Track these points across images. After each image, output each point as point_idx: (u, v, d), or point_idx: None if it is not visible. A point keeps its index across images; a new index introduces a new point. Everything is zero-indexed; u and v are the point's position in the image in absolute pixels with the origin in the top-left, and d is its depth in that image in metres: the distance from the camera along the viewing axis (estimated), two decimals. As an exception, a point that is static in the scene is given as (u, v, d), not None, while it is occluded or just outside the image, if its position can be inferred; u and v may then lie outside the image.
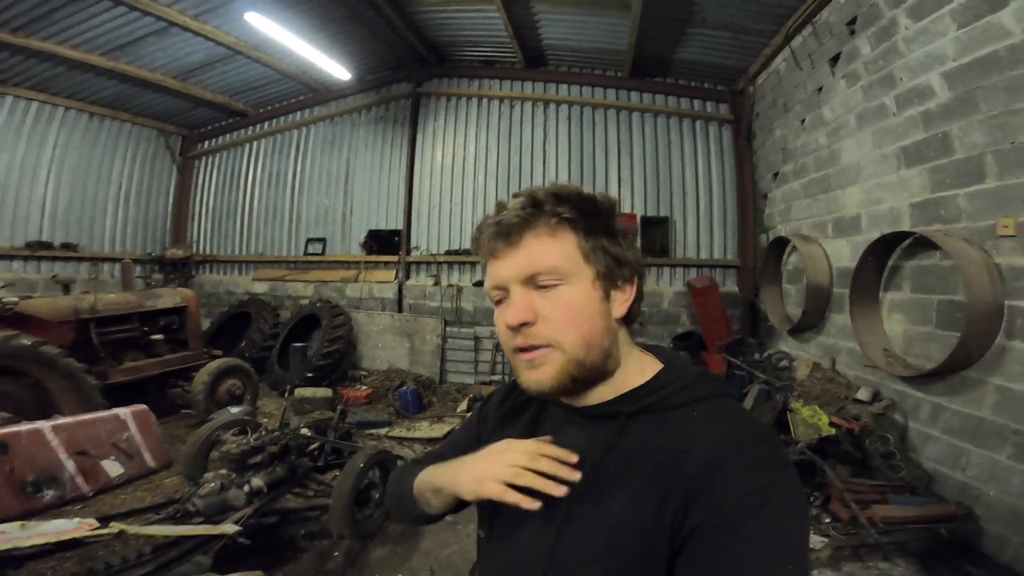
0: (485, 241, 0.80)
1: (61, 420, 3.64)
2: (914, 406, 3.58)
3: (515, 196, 0.81)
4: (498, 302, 0.82)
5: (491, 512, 0.89)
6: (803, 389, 4.17)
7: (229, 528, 2.64)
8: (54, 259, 7.39)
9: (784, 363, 4.90)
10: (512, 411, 0.99)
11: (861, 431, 3.48)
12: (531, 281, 0.77)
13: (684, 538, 0.65)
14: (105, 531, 2.33)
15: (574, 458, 0.76)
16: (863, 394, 3.87)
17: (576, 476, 0.75)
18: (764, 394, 4.24)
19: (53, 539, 2.19)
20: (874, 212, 4.10)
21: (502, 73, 7.64)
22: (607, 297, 0.79)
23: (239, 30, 6.34)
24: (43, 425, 3.53)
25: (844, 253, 4.41)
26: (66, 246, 7.50)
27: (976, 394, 3.10)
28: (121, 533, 2.37)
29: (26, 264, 7.19)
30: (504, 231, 0.77)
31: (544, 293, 0.77)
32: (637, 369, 0.82)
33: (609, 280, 0.80)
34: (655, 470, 0.70)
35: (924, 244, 3.46)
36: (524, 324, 0.76)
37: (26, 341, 3.68)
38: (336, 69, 6.87)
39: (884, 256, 3.84)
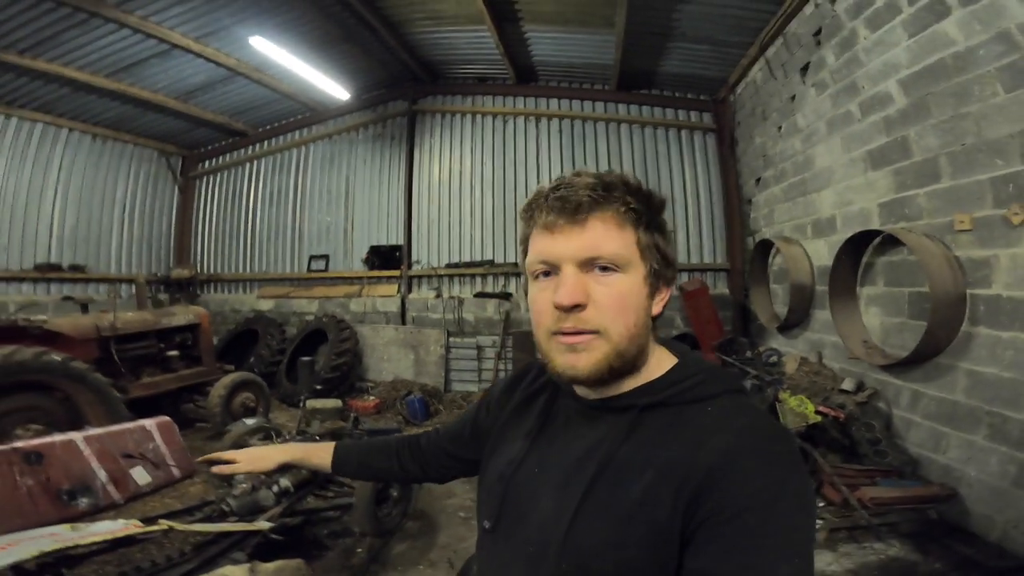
0: (542, 213, 0.77)
1: (92, 431, 3.83)
2: (895, 393, 3.80)
3: (577, 174, 0.79)
4: (539, 276, 0.80)
5: (498, 503, 0.88)
6: (792, 382, 4.42)
7: (264, 524, 2.84)
8: (63, 280, 7.54)
9: (774, 359, 5.16)
10: (524, 402, 0.98)
11: (847, 419, 3.71)
12: (589, 264, 0.75)
13: (694, 530, 0.66)
14: (155, 528, 2.51)
15: None
16: (848, 384, 4.12)
17: None
18: (756, 389, 4.49)
19: (109, 537, 2.35)
20: (847, 213, 4.36)
21: (495, 89, 7.94)
22: (652, 295, 0.80)
23: (240, 52, 6.58)
24: (75, 436, 3.70)
25: (823, 252, 4.67)
26: (75, 267, 7.67)
27: (949, 379, 3.31)
28: (170, 530, 2.55)
29: (36, 286, 7.35)
30: (571, 207, 0.74)
31: (599, 278, 0.76)
32: (656, 364, 0.83)
33: (656, 279, 0.80)
34: (670, 464, 0.70)
35: (892, 241, 3.70)
36: (576, 307, 0.74)
37: (57, 357, 3.88)
38: (335, 89, 7.12)
39: (857, 254, 4.09)
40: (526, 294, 0.85)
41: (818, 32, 4.60)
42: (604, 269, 0.75)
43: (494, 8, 5.82)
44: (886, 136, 3.84)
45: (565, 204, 0.75)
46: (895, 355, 3.65)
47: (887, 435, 3.72)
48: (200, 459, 1.35)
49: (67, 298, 7.12)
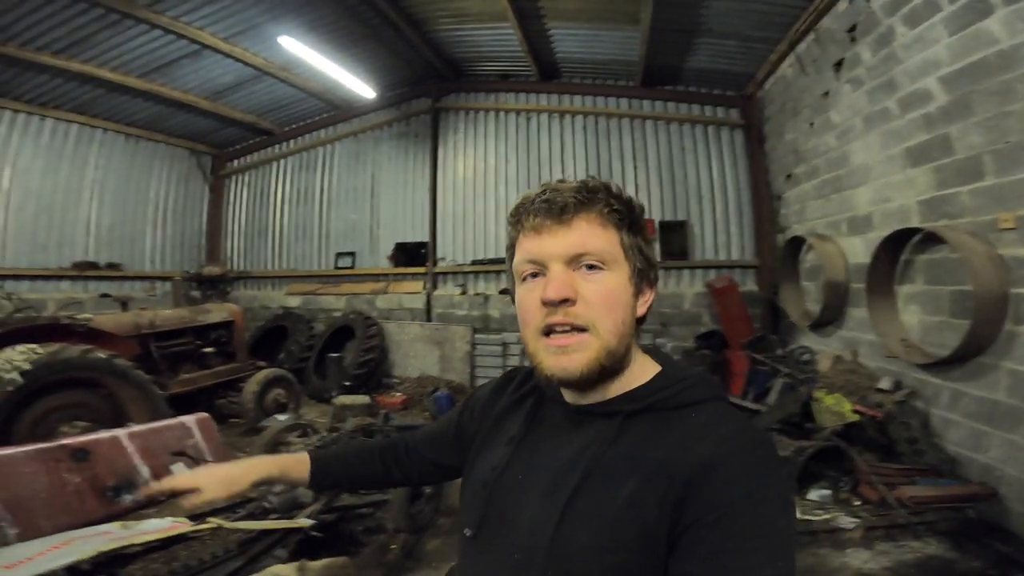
0: (530, 216, 0.80)
1: (135, 428, 3.94)
2: (934, 393, 3.76)
3: (562, 181, 0.82)
4: (527, 277, 0.81)
5: (481, 510, 0.88)
6: (827, 380, 4.37)
7: (306, 522, 2.92)
8: (100, 279, 7.78)
9: (806, 357, 5.09)
10: (509, 407, 0.99)
11: (885, 418, 3.67)
12: (576, 261, 0.77)
13: (680, 534, 0.67)
14: (205, 526, 2.59)
15: None
16: (885, 383, 4.06)
17: None
18: (787, 387, 4.45)
19: (161, 536, 2.44)
20: (884, 210, 4.29)
21: (518, 86, 7.95)
22: (636, 295, 0.82)
23: (268, 51, 6.69)
24: (120, 432, 3.81)
25: (858, 250, 4.61)
26: (111, 266, 7.90)
27: (991, 378, 3.28)
28: (218, 528, 2.63)
29: (74, 284, 7.58)
30: (557, 209, 0.77)
31: (587, 275, 0.78)
32: (640, 369, 0.84)
33: (640, 279, 0.82)
34: (655, 469, 0.71)
35: (933, 239, 3.66)
36: (565, 301, 0.76)
37: (102, 355, 4.01)
38: (360, 87, 7.20)
39: (896, 251, 4.03)
40: (513, 300, 0.87)
41: (852, 28, 4.54)
42: (591, 267, 0.77)
43: (518, 5, 5.82)
44: (927, 133, 3.79)
45: (551, 206, 0.77)
46: (935, 354, 3.61)
47: (925, 434, 3.69)
48: (152, 490, 1.18)
49: (105, 295, 7.38)
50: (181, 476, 1.12)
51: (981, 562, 2.90)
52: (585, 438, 0.81)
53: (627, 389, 0.81)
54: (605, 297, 0.77)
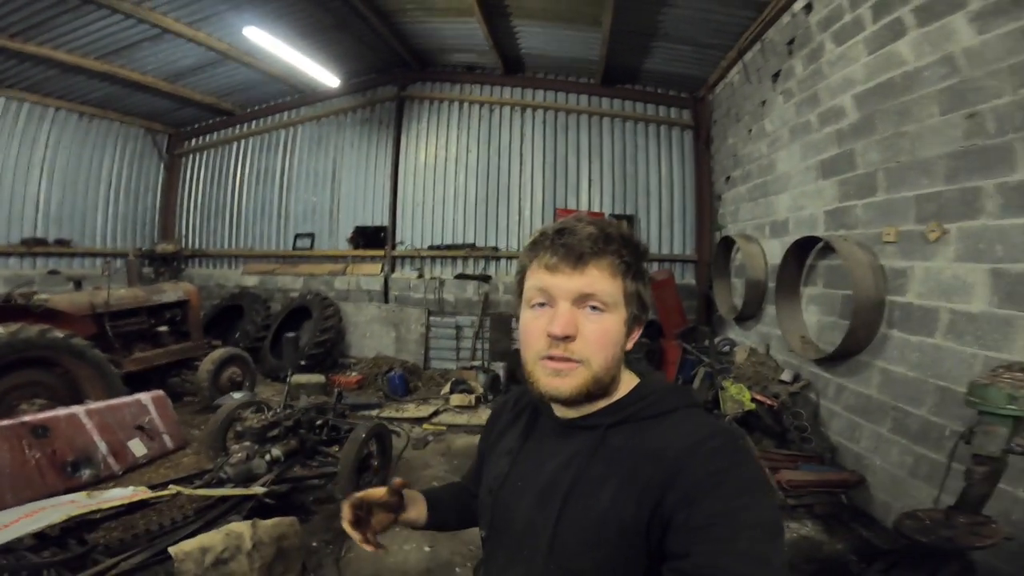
0: (546, 254, 0.87)
1: (93, 405, 4.08)
2: (824, 386, 4.17)
3: (579, 220, 0.89)
4: (535, 305, 0.89)
5: (489, 515, 1.00)
6: (739, 371, 4.83)
7: (260, 489, 3.18)
8: (48, 255, 7.68)
9: (727, 348, 5.58)
10: (509, 423, 1.10)
11: (780, 407, 4.10)
12: (582, 301, 0.85)
13: (664, 527, 0.76)
14: (166, 492, 2.81)
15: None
16: (786, 375, 4.52)
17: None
18: (709, 376, 4.90)
19: (126, 501, 2.63)
20: (798, 217, 4.69)
21: (482, 79, 8.13)
22: (628, 334, 0.91)
23: (232, 37, 6.64)
24: (78, 410, 3.95)
25: (777, 252, 4.96)
26: (60, 242, 7.78)
27: (866, 375, 3.67)
28: (178, 494, 2.86)
29: (22, 261, 7.47)
30: (574, 256, 0.84)
31: (589, 315, 0.86)
32: (622, 384, 0.93)
33: (633, 322, 0.91)
34: (633, 472, 0.81)
35: (831, 247, 3.96)
36: (567, 337, 0.84)
37: (59, 334, 4.11)
38: (325, 76, 7.22)
39: (803, 256, 4.44)
40: (516, 319, 1.13)
41: (791, 41, 4.73)
42: (594, 308, 0.85)
43: (484, 1, 5.96)
44: (837, 148, 4.07)
45: (569, 252, 0.85)
46: (824, 351, 4.01)
47: (814, 424, 4.09)
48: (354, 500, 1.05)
49: (53, 272, 7.31)
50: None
51: (844, 545, 3.21)
52: (571, 449, 0.91)
53: (607, 403, 0.91)
54: (601, 337, 0.85)
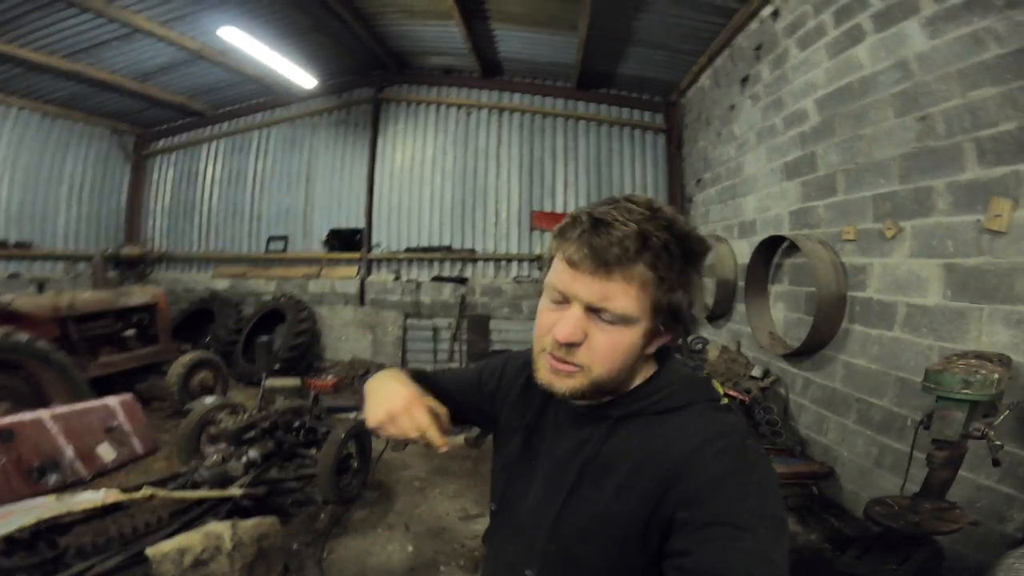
0: (574, 247, 0.79)
1: (59, 409, 3.96)
2: (792, 380, 4.31)
3: (625, 211, 0.78)
4: (553, 300, 0.85)
5: (502, 490, 1.02)
6: (712, 368, 4.97)
7: (237, 491, 3.14)
8: (9, 258, 7.40)
9: (699, 346, 5.73)
10: (529, 388, 1.03)
11: (751, 402, 4.23)
12: (595, 310, 0.80)
13: (666, 525, 0.75)
14: (139, 494, 2.75)
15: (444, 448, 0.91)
16: (756, 371, 4.65)
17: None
18: (682, 372, 5.00)
19: (97, 504, 2.57)
20: (765, 217, 4.84)
21: (460, 81, 8.15)
22: (648, 343, 0.85)
23: (205, 36, 6.50)
24: (43, 414, 3.82)
25: (745, 251, 5.11)
26: (21, 245, 7.51)
27: (830, 369, 3.78)
28: (152, 497, 2.80)
29: (-20, 263, 7.19)
30: (600, 257, 0.76)
31: (602, 326, 0.80)
32: (638, 375, 0.90)
33: (658, 331, 0.84)
34: (639, 466, 0.81)
35: (795, 245, 4.10)
36: (571, 344, 0.81)
37: (23, 336, 3.98)
38: (301, 76, 7.14)
39: (770, 255, 4.58)
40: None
41: (759, 47, 4.85)
42: (609, 321, 0.80)
43: (463, 5, 6.01)
44: (800, 150, 4.19)
45: (594, 253, 0.77)
46: (791, 346, 4.15)
47: (784, 418, 4.22)
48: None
49: (14, 275, 7.05)
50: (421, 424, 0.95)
51: (817, 535, 3.27)
52: (583, 435, 0.90)
53: (619, 394, 0.89)
54: (610, 349, 0.80)
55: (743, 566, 0.66)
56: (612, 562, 0.81)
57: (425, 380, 1.13)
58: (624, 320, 0.79)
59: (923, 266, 3.05)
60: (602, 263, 0.76)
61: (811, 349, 3.89)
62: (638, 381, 0.89)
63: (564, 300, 0.82)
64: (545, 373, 0.85)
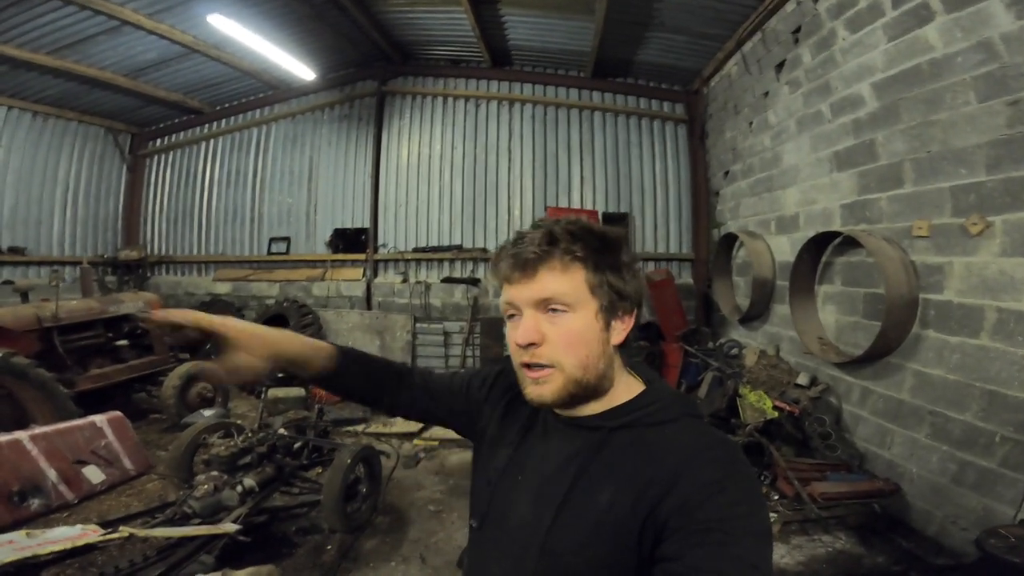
0: (502, 269, 0.89)
1: (39, 429, 3.64)
2: (846, 390, 3.97)
3: (535, 227, 0.90)
4: (510, 316, 0.91)
5: (485, 506, 1.00)
6: (751, 375, 4.57)
7: (230, 527, 2.78)
8: (1, 264, 7.09)
9: (735, 351, 5.32)
10: (514, 403, 1.05)
11: (801, 413, 3.87)
12: (542, 305, 0.86)
13: (658, 531, 0.76)
14: (116, 535, 2.41)
15: None
16: (802, 379, 4.28)
17: None
18: (717, 381, 4.62)
19: (69, 545, 2.26)
20: (810, 211, 4.48)
21: (468, 72, 7.77)
22: (607, 327, 0.89)
23: (197, 29, 6.18)
24: (21, 435, 3.52)
25: (785, 248, 4.79)
26: (14, 250, 7.20)
27: (897, 378, 3.47)
28: (131, 536, 2.46)
29: (-29, 270, 6.88)
30: (520, 264, 0.86)
31: (552, 318, 0.86)
32: (625, 389, 0.92)
33: (610, 312, 0.88)
34: (631, 477, 0.81)
35: (851, 242, 3.80)
36: (531, 344, 0.85)
37: (-3, 353, 3.65)
38: (300, 69, 6.80)
39: (818, 252, 4.21)
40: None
41: (797, 30, 4.57)
42: (554, 311, 0.86)
43: (472, -11, 5.66)
44: (854, 138, 3.91)
45: (517, 260, 0.87)
46: (848, 353, 3.81)
47: (837, 429, 3.89)
48: (156, 319, 0.94)
49: (7, 283, 6.72)
50: (197, 314, 0.96)
51: (885, 557, 3.05)
52: (574, 447, 0.90)
53: (611, 406, 0.91)
54: (567, 337, 0.85)
55: (733, 572, 0.68)
56: (608, 572, 0.81)
57: (398, 371, 1.19)
58: (566, 304, 0.85)
59: (1018, 266, 2.70)
60: (526, 265, 0.86)
61: (873, 356, 3.54)
62: (622, 392, 0.92)
63: (516, 312, 0.88)
64: (529, 387, 0.89)
